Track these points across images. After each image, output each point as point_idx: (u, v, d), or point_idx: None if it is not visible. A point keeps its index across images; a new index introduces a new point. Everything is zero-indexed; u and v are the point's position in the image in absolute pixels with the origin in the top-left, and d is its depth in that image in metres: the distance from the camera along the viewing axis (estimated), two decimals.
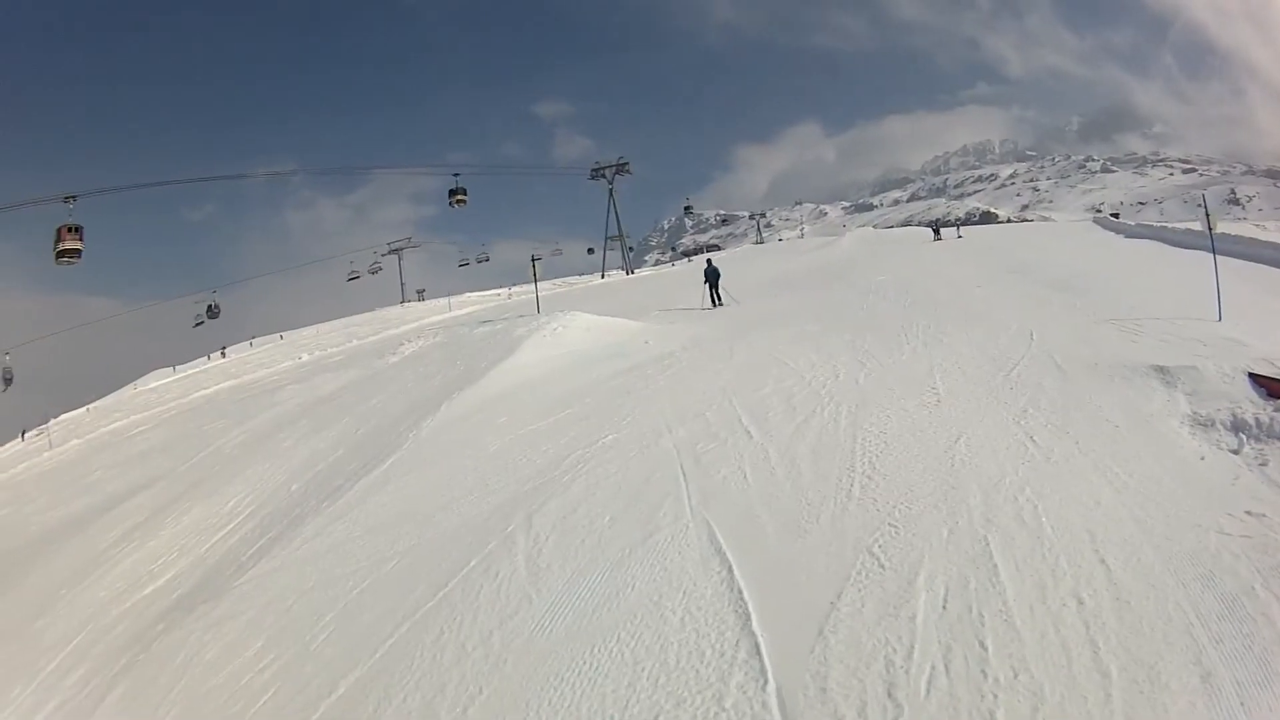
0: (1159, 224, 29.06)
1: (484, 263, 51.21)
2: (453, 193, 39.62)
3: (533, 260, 18.99)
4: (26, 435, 26.15)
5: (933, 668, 3.57)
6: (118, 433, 20.68)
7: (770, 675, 3.75)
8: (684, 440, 7.22)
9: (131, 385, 30.46)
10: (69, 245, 19.73)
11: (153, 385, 28.99)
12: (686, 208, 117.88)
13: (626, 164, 47.27)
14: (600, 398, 9.51)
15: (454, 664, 4.49)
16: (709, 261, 20.37)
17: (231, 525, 8.87)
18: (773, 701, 3.58)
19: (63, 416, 27.32)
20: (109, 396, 29.61)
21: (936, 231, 33.88)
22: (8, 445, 26.25)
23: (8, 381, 29.82)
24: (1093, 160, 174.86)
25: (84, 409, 28.07)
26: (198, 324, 38.79)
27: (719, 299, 18.00)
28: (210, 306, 39.04)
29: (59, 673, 6.68)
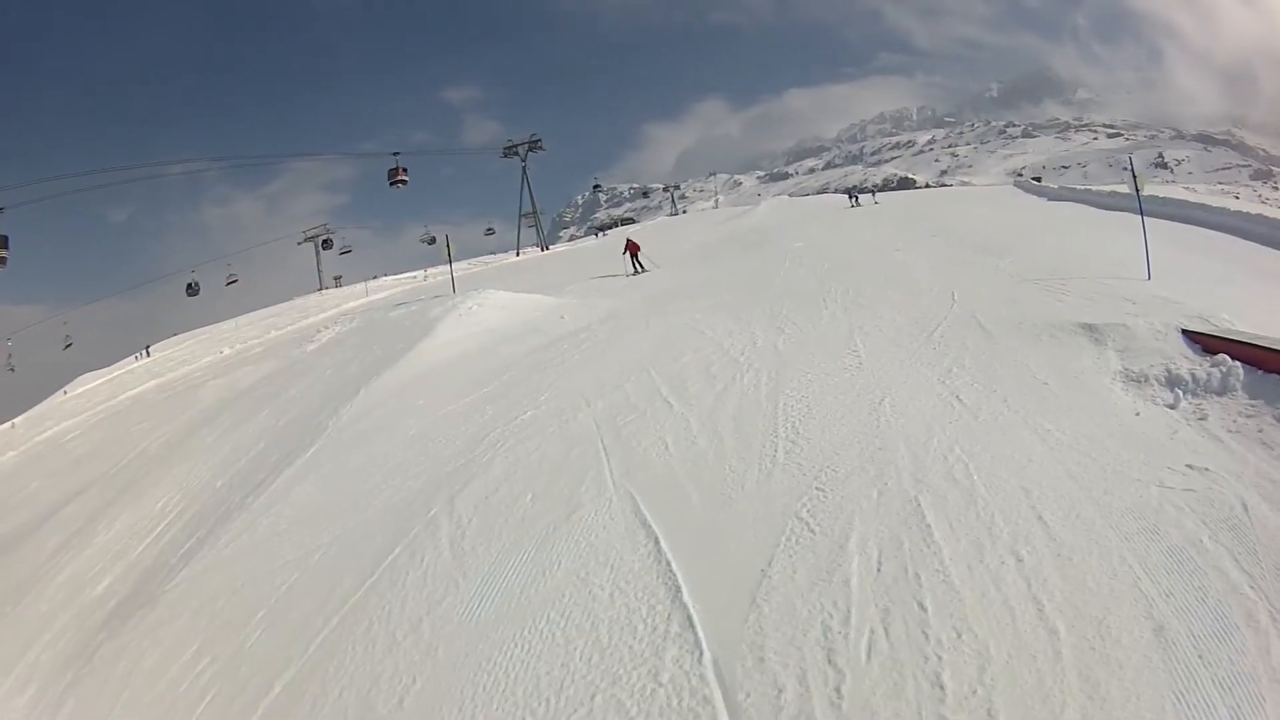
0: (1082, 187, 28.64)
1: (431, 244, 48.71)
2: (393, 172, 39.94)
3: (446, 240, 18.78)
4: None
5: (872, 631, 3.46)
6: (50, 441, 20.40)
7: (705, 647, 3.62)
8: (603, 413, 7.08)
9: (61, 391, 29.30)
10: None
11: (80, 390, 28.12)
12: (595, 186, 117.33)
13: (539, 140, 47.30)
14: (517, 375, 9.48)
15: (386, 655, 4.41)
16: (627, 238, 21.43)
17: (161, 527, 8.72)
18: (709, 673, 3.45)
19: None
20: (40, 405, 28.49)
21: (853, 197, 33.32)
22: None
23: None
24: (1013, 126, 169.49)
25: (8, 424, 26.56)
26: (68, 346, 37.58)
27: (641, 266, 18.61)
28: (190, 285, 39.42)
29: (6, 695, 6.39)
